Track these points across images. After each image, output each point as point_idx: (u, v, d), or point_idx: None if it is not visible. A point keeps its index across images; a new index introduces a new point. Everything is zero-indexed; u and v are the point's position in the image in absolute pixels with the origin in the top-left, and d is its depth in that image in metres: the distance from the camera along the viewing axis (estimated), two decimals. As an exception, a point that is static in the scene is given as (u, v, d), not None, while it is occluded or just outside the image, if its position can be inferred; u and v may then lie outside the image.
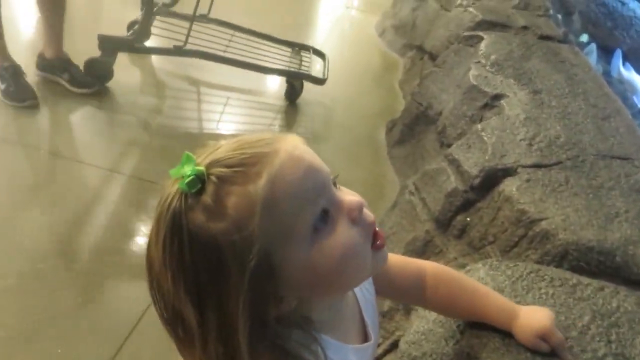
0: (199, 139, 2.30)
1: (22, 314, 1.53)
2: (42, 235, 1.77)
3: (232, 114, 2.58)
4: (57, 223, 1.84)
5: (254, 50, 2.54)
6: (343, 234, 0.56)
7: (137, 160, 2.19)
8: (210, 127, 2.53)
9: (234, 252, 0.51)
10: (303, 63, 2.70)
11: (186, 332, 0.55)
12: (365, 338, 0.73)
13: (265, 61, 2.52)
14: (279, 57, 2.64)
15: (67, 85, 2.38)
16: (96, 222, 1.87)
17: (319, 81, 2.60)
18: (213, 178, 0.52)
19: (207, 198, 0.52)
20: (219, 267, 0.51)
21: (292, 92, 2.61)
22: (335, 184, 0.58)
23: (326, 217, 0.56)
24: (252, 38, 2.67)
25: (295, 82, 2.59)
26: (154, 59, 2.78)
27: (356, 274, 0.61)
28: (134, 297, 1.61)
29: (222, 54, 2.45)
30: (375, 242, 0.60)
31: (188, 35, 2.32)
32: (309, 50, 2.80)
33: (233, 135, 0.59)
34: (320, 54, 2.82)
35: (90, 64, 2.39)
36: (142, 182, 2.04)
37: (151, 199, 1.98)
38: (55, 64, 2.37)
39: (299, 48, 2.80)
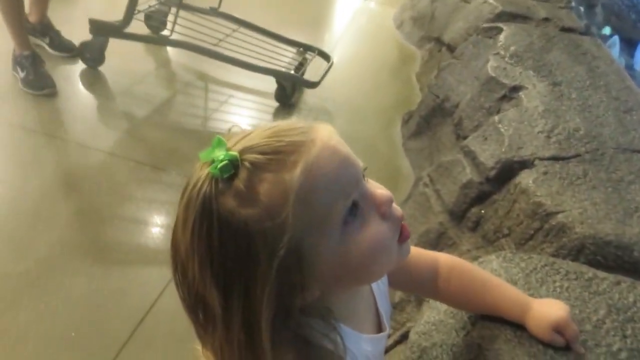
0: (198, 134, 2.32)
1: (38, 299, 1.55)
2: (57, 222, 1.80)
3: (242, 109, 2.59)
4: (71, 211, 1.86)
5: (251, 47, 2.44)
6: (373, 229, 0.56)
7: (146, 148, 2.20)
8: (217, 124, 2.54)
9: (264, 239, 0.50)
10: (303, 64, 2.58)
11: (208, 317, 0.55)
12: (379, 328, 0.73)
13: (257, 59, 2.40)
14: (276, 56, 2.51)
15: (48, 48, 2.56)
16: (111, 211, 1.89)
17: (309, 84, 2.46)
18: (247, 164, 0.51)
19: (239, 184, 0.51)
20: (248, 254, 0.51)
21: (282, 94, 2.47)
22: (364, 177, 0.58)
23: (356, 210, 0.55)
24: (255, 35, 2.61)
25: (285, 83, 2.45)
26: (170, 51, 2.80)
27: (382, 267, 0.61)
28: (147, 282, 1.63)
29: (210, 47, 2.36)
30: (402, 236, 0.60)
31: (174, 24, 2.31)
32: (314, 52, 2.68)
33: (258, 125, 0.57)
34: (325, 56, 2.67)
35: (84, 46, 2.50)
36: (152, 170, 2.05)
37: (163, 187, 2.00)
38: (37, 28, 2.52)
39: (303, 49, 2.69)
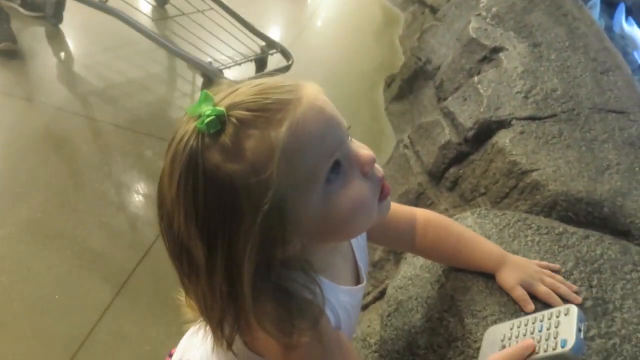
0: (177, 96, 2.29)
1: (20, 262, 1.55)
2: (37, 186, 1.78)
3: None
4: (53, 174, 1.85)
5: (202, 30, 2.22)
6: (354, 188, 0.57)
7: (124, 111, 2.17)
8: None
9: (248, 194, 0.51)
10: (263, 60, 2.31)
11: (191, 267, 0.56)
12: (357, 281, 0.75)
13: (192, 43, 2.15)
14: (226, 44, 2.24)
15: (19, 9, 2.53)
16: (92, 175, 1.88)
17: (213, 75, 2.07)
18: (233, 120, 0.52)
19: (225, 139, 0.51)
20: (232, 208, 0.52)
21: (207, 83, 2.12)
22: (348, 136, 0.59)
23: (338, 168, 0.57)
24: (223, 18, 2.37)
25: (208, 74, 2.08)
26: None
27: (362, 224, 0.63)
28: (131, 244, 1.64)
29: (138, 23, 2.12)
30: (382, 194, 0.62)
31: None
32: (277, 48, 2.34)
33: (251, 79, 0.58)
34: (286, 54, 2.34)
35: (44, 3, 2.47)
36: (132, 133, 2.04)
37: (143, 150, 1.99)
38: None
39: (267, 44, 2.36)
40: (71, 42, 2.56)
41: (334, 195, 0.56)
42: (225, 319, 0.57)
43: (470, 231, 0.85)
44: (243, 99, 0.53)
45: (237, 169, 0.51)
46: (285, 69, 2.23)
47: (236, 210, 0.52)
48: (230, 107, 0.53)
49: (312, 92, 0.56)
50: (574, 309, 0.63)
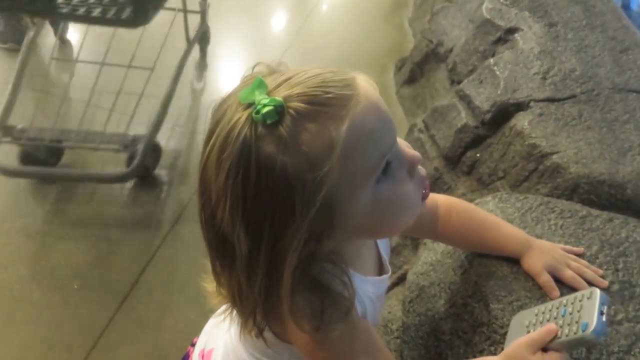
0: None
1: (38, 253, 1.57)
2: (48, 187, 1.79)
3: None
4: (66, 165, 1.85)
5: None
6: (402, 188, 0.57)
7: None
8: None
9: (303, 190, 0.50)
10: None
11: (230, 258, 0.55)
12: (380, 271, 0.75)
13: None
14: None
15: None
16: (109, 160, 1.88)
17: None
18: (292, 112, 0.50)
19: (282, 131, 0.49)
20: (284, 203, 0.50)
21: None
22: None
23: (388, 168, 0.56)
24: None
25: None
26: None
27: (404, 223, 0.62)
28: (147, 234, 1.64)
29: None
30: (424, 194, 0.62)
31: None
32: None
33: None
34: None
35: None
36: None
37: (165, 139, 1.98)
38: None
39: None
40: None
41: (382, 195, 0.56)
42: (257, 310, 0.57)
43: (493, 216, 0.84)
44: (302, 91, 0.51)
45: (294, 163, 0.49)
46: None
47: (287, 205, 0.50)
48: (288, 98, 0.50)
49: (369, 88, 0.55)
50: (596, 292, 0.62)
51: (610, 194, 0.99)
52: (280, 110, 0.50)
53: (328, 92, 0.51)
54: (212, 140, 0.53)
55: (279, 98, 0.50)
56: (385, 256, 0.76)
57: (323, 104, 0.51)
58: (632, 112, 1.16)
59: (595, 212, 0.92)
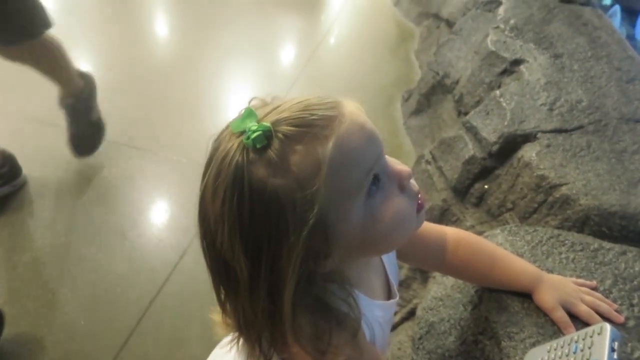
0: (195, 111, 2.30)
1: (44, 287, 1.56)
2: (61, 210, 1.80)
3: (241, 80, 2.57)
4: (75, 198, 1.86)
5: None
6: (394, 201, 0.59)
7: (146, 131, 2.19)
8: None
9: (294, 210, 0.51)
10: None
11: (232, 283, 0.56)
12: (388, 296, 0.74)
13: None
14: None
15: None
16: (114, 197, 1.89)
17: None
18: (280, 135, 0.52)
19: (272, 154, 0.52)
20: (277, 223, 0.52)
21: None
22: (383, 151, 0.60)
23: (378, 182, 0.58)
24: None
25: None
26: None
27: (401, 236, 0.63)
28: (153, 267, 1.64)
29: None
30: (418, 205, 0.63)
31: None
32: None
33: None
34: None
35: None
36: (152, 155, 2.05)
37: (164, 170, 1.99)
38: None
39: None
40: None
41: (375, 209, 0.57)
42: (263, 335, 0.57)
43: (502, 249, 0.83)
44: (289, 115, 0.54)
45: (284, 184, 0.52)
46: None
47: (281, 225, 0.52)
48: (276, 123, 0.53)
49: (353, 109, 0.57)
50: (606, 328, 0.61)
51: (622, 225, 0.98)
52: (268, 135, 0.52)
53: (313, 114, 0.54)
54: (208, 170, 0.55)
55: (266, 123, 0.53)
56: (393, 281, 0.76)
57: (308, 125, 0.53)
58: (641, 143, 1.15)
59: (607, 244, 0.90)
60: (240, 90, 2.55)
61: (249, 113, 0.54)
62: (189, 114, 2.30)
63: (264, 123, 0.53)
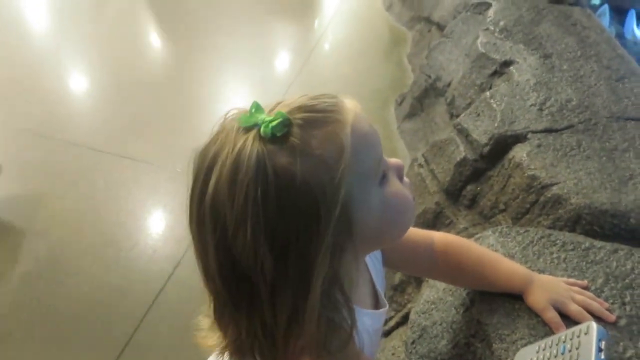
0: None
1: (38, 299, 1.56)
2: (54, 222, 1.80)
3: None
4: (70, 210, 1.86)
5: None
6: (399, 189, 0.61)
7: (138, 143, 2.19)
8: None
9: (324, 194, 0.50)
10: None
11: (245, 298, 0.54)
12: (376, 305, 0.74)
13: None
14: None
15: None
16: (107, 209, 1.89)
17: None
18: (298, 121, 0.52)
19: (294, 140, 0.51)
20: (307, 210, 0.50)
21: None
22: None
23: (385, 174, 0.60)
24: None
25: None
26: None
27: (408, 223, 0.65)
28: (148, 278, 1.63)
29: None
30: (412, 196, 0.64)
31: None
32: None
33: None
34: None
35: None
36: (146, 165, 2.05)
37: (158, 181, 1.99)
38: None
39: None
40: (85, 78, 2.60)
41: (386, 197, 0.58)
42: (261, 349, 0.56)
43: (492, 252, 0.83)
44: (301, 104, 0.54)
45: (311, 169, 0.50)
46: None
47: (311, 213, 0.50)
48: (290, 112, 0.53)
49: (351, 101, 0.59)
50: (593, 327, 0.60)
51: (614, 224, 0.97)
52: (287, 123, 0.52)
53: (323, 102, 0.55)
54: (215, 176, 0.52)
55: (283, 112, 0.52)
56: (380, 289, 0.75)
57: (323, 111, 0.54)
58: (631, 140, 1.15)
59: (598, 243, 0.90)
60: (235, 97, 2.55)
61: (256, 107, 0.53)
62: (183, 122, 2.30)
63: (280, 111, 0.52)
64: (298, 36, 3.30)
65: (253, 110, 0.53)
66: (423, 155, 1.52)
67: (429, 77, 2.08)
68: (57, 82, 2.53)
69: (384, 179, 0.59)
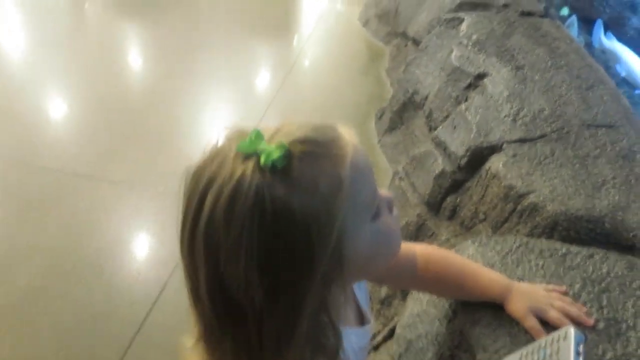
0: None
1: (22, 326, 1.53)
2: (36, 250, 1.77)
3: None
4: (51, 237, 1.84)
5: None
6: (389, 222, 0.61)
7: (119, 165, 2.18)
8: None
9: (319, 228, 0.51)
10: None
11: (233, 325, 0.54)
12: (360, 322, 0.74)
13: None
14: None
15: None
16: (89, 231, 1.87)
17: None
18: (299, 154, 0.52)
19: (293, 174, 0.51)
20: (302, 245, 0.50)
21: None
22: None
23: (379, 205, 0.60)
24: None
25: None
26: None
27: (393, 255, 0.65)
28: (134, 302, 1.61)
29: None
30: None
31: None
32: None
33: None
34: None
35: None
36: (127, 189, 2.04)
37: (140, 204, 1.98)
38: None
39: None
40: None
41: (377, 229, 0.59)
42: None
43: (472, 262, 0.84)
44: (301, 135, 0.53)
45: (309, 203, 0.50)
46: None
47: (306, 247, 0.50)
48: (291, 144, 0.52)
49: (348, 132, 0.58)
50: (570, 333, 0.62)
51: (589, 228, 1.00)
52: (287, 155, 0.51)
53: (324, 134, 0.55)
54: (210, 202, 0.51)
55: (284, 143, 0.51)
56: (365, 306, 0.75)
57: (323, 146, 0.54)
58: (603, 147, 1.19)
59: (575, 249, 0.92)
60: (214, 117, 2.56)
61: (256, 135, 0.53)
62: (163, 143, 2.30)
63: (281, 142, 0.51)
64: (277, 54, 3.33)
65: (253, 137, 0.52)
66: (403, 168, 1.55)
67: (407, 91, 2.12)
68: (33, 107, 2.51)
69: (376, 213, 0.59)
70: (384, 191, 0.62)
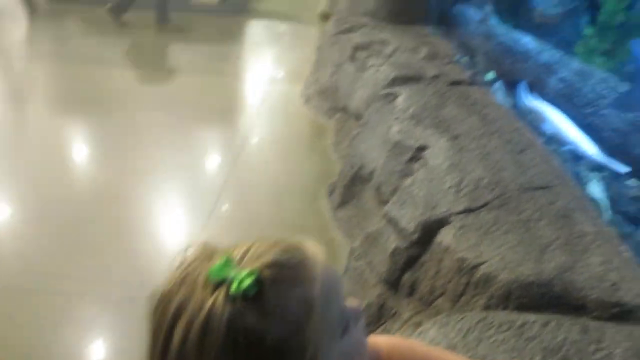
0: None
1: None
2: None
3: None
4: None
5: None
6: (358, 334, 0.61)
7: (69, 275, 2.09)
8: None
9: (291, 353, 0.51)
10: None
11: None
12: None
13: None
14: None
15: None
16: (43, 347, 1.76)
17: None
18: (269, 280, 0.51)
19: (264, 301, 0.50)
20: None
21: None
22: None
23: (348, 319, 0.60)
24: None
25: None
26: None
27: None
28: None
29: None
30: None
31: None
32: None
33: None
34: None
35: None
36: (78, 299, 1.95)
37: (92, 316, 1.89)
38: None
39: None
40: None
41: (347, 345, 0.58)
42: None
43: (436, 350, 0.84)
44: (270, 259, 0.53)
45: (280, 330, 0.51)
46: None
47: None
48: (261, 269, 0.52)
49: (316, 248, 0.58)
50: None
51: (541, 293, 1.03)
52: (258, 281, 0.51)
53: (293, 257, 0.55)
54: (179, 334, 0.51)
55: (253, 270, 0.51)
56: None
57: (293, 268, 0.54)
58: (542, 209, 1.25)
59: (531, 317, 0.95)
60: (165, 212, 2.52)
61: (226, 260, 0.52)
62: (115, 246, 2.23)
63: (250, 269, 0.51)
64: (223, 140, 3.37)
65: (222, 263, 0.52)
66: (360, 245, 1.56)
67: (354, 165, 2.18)
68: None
69: (345, 327, 0.59)
70: (351, 303, 0.62)
